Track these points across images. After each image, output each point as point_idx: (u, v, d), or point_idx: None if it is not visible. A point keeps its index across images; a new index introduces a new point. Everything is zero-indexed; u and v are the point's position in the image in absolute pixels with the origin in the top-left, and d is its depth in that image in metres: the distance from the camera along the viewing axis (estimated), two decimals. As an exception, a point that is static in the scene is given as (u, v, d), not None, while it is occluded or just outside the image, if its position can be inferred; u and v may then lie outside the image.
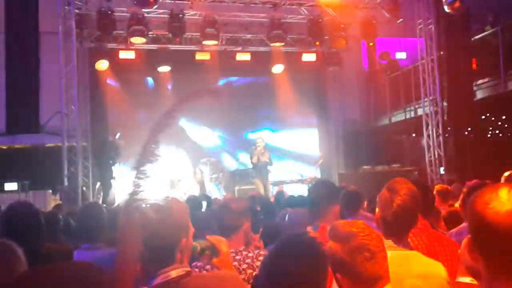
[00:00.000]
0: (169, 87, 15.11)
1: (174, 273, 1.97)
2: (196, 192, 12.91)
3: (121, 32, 13.02)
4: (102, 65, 13.51)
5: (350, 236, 1.86)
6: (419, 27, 13.61)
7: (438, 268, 2.41)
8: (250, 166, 13.17)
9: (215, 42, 13.54)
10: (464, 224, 3.88)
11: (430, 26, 13.42)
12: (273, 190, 12.84)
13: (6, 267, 1.53)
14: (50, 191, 12.00)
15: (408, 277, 2.17)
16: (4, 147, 14.00)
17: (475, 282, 2.89)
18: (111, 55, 13.51)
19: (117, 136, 12.44)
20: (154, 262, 1.97)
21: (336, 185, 3.44)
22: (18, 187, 11.92)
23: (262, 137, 13.37)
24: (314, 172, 14.57)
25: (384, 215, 2.43)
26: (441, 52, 13.17)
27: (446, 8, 11.68)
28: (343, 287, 1.89)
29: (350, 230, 1.87)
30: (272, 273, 1.69)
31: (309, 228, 3.27)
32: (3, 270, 1.51)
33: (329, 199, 3.31)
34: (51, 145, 13.20)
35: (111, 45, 13.42)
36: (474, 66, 12.87)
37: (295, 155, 15.90)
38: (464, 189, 6.74)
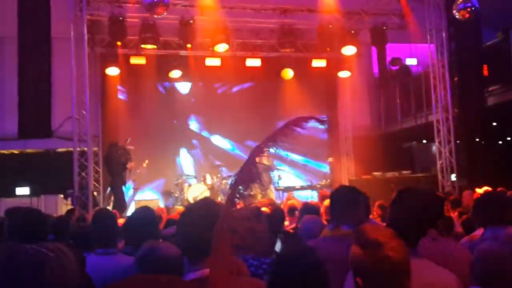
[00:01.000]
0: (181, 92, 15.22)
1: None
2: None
3: (132, 37, 13.12)
4: (112, 71, 13.61)
5: (375, 245, 1.84)
6: (430, 33, 13.55)
7: (449, 278, 2.39)
8: None
9: (226, 48, 13.58)
10: (476, 233, 3.84)
11: (441, 32, 13.36)
12: (283, 197, 12.85)
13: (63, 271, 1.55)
14: (62, 195, 12.07)
15: (418, 285, 2.15)
16: (16, 152, 14.12)
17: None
18: (122, 61, 13.61)
19: (127, 141, 12.50)
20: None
21: (358, 190, 3.42)
22: (29, 192, 12.01)
23: None
24: (324, 178, 14.55)
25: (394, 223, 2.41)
26: (452, 58, 13.11)
27: (456, 15, 11.63)
28: None
29: (377, 239, 1.85)
30: None
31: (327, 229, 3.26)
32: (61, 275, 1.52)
33: (349, 203, 3.29)
34: (63, 150, 13.30)
35: (122, 51, 13.51)
36: (485, 72, 12.80)
37: (305, 161, 15.86)
38: (474, 196, 6.71)
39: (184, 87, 15.37)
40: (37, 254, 1.46)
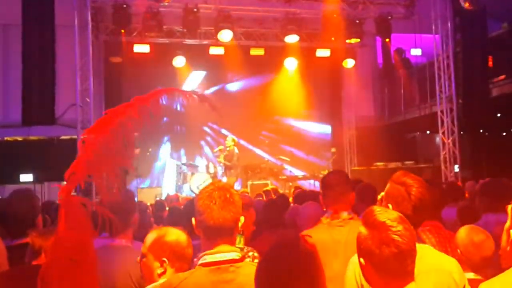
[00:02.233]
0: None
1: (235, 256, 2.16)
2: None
3: (136, 25, 13.09)
4: (116, 59, 13.57)
5: (381, 227, 1.83)
6: (435, 23, 13.47)
7: (450, 263, 2.40)
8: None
9: (230, 37, 13.53)
10: (480, 222, 3.85)
11: (446, 23, 13.28)
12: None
13: None
14: (65, 183, 12.09)
15: (420, 271, 2.16)
16: (20, 139, 14.15)
17: (478, 277, 2.91)
18: (126, 49, 13.58)
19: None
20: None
21: (348, 175, 3.41)
22: (33, 179, 12.04)
23: (232, 137, 13.61)
24: (327, 168, 14.54)
25: (402, 210, 2.40)
26: (457, 49, 13.05)
27: (462, 4, 11.56)
28: (364, 272, 1.88)
29: (383, 221, 1.84)
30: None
31: (325, 216, 3.25)
32: None
33: (342, 185, 3.28)
34: (66, 137, 13.31)
35: (126, 39, 13.49)
36: (490, 63, 12.74)
37: (308, 151, 15.86)
38: (477, 187, 6.70)
39: (186, 76, 15.36)
40: None
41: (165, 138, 15.15)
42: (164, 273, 2.36)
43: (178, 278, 2.14)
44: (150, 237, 2.49)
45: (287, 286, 1.64)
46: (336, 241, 3.05)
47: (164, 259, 2.38)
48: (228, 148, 13.40)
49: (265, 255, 1.77)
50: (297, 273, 1.67)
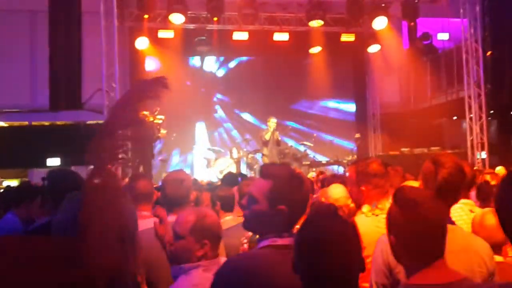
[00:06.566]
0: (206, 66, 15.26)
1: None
2: (233, 171, 13.00)
3: (161, 11, 13.13)
4: (141, 42, 13.64)
5: (413, 204, 1.81)
6: (463, 7, 13.20)
7: (481, 245, 2.37)
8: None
9: (253, 22, 13.46)
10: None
11: (474, 6, 13.00)
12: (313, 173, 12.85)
13: None
14: (92, 166, 12.27)
15: (450, 251, 2.15)
16: (47, 124, 14.39)
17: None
18: (151, 34, 13.67)
19: (156, 112, 12.52)
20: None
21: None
22: (60, 163, 12.24)
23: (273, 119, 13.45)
24: (351, 154, 14.46)
25: (427, 188, 2.39)
26: (486, 33, 12.77)
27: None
28: (394, 250, 1.87)
29: (414, 198, 1.82)
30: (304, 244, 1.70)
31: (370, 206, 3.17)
32: None
33: (384, 174, 3.21)
34: (92, 122, 13.49)
35: (150, 25, 13.55)
36: (520, 47, 12.45)
37: (332, 137, 15.77)
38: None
39: (211, 61, 15.38)
40: None
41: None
42: (204, 254, 2.32)
43: (244, 257, 2.14)
44: (189, 219, 2.40)
45: (326, 252, 1.65)
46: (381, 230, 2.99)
47: (206, 241, 2.34)
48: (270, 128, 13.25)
49: (305, 222, 1.77)
50: (335, 238, 1.67)
